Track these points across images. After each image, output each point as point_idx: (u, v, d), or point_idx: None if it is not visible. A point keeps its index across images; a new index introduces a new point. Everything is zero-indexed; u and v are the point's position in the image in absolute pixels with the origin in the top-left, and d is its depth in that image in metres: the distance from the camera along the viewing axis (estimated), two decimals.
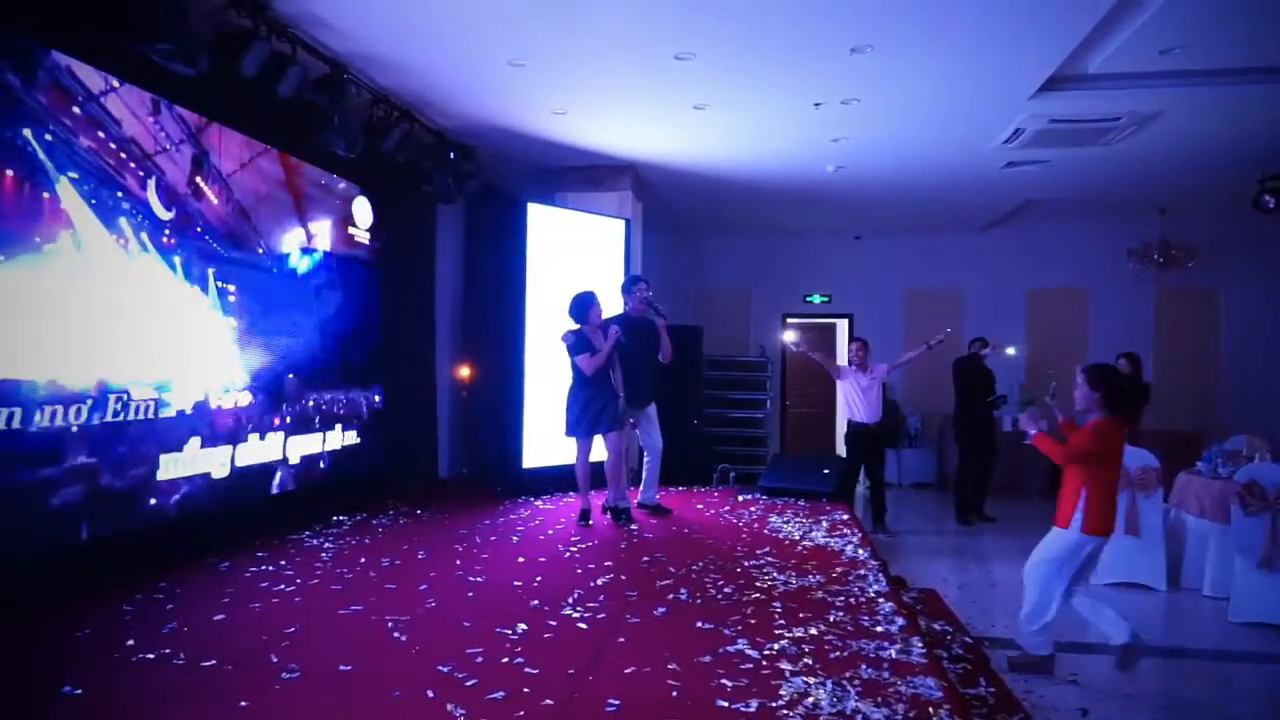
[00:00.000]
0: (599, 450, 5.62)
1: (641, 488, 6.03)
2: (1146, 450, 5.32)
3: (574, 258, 6.98)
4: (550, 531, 5.30)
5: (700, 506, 6.45)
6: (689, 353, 8.31)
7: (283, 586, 3.95)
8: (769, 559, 4.66)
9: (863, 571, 4.41)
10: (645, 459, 5.97)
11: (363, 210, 6.31)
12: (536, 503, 6.38)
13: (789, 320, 10.48)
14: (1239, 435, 6.03)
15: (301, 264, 5.54)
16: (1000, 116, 5.84)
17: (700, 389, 9.21)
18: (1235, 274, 9.40)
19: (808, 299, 10.46)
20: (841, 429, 7.56)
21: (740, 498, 6.96)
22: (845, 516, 6.14)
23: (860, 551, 4.91)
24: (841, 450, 7.54)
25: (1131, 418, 4.82)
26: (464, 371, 7.72)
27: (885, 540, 6.53)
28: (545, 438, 6.55)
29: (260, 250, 5.10)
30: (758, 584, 4.11)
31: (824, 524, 5.71)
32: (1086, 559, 3.70)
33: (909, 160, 6.98)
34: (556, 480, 6.71)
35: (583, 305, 5.49)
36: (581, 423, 5.39)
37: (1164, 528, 5.24)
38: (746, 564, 4.53)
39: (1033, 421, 3.85)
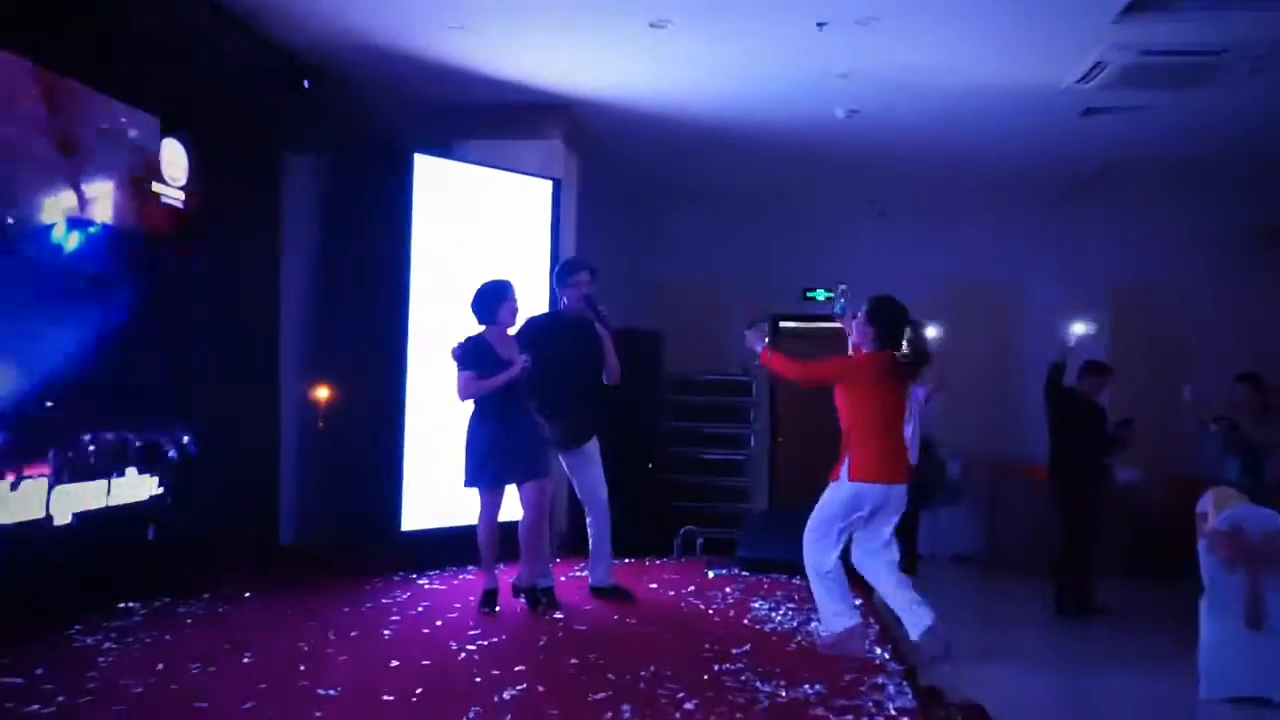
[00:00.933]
0: (512, 507, 5.55)
1: (590, 562, 6.02)
2: (1273, 510, 5.34)
3: (481, 233, 6.96)
4: (439, 622, 5.25)
5: (655, 586, 6.41)
6: (644, 370, 8.24)
7: (35, 709, 3.76)
8: (749, 661, 4.68)
9: (880, 680, 4.44)
10: (587, 520, 5.95)
11: (173, 160, 6.13)
12: (420, 581, 6.32)
13: (782, 324, 10.50)
14: None
15: (69, 241, 5.31)
16: (1074, 45, 5.91)
17: (659, 419, 9.13)
18: None
19: (809, 296, 10.48)
20: None
21: (711, 573, 6.92)
22: (858, 601, 6.09)
23: (877, 650, 4.93)
24: None
25: (910, 370, 5.04)
26: (320, 395, 7.59)
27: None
28: (436, 488, 6.52)
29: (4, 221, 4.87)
30: (733, 698, 4.11)
31: None
32: (868, 514, 4.79)
33: (947, 105, 7.04)
34: (451, 548, 6.66)
35: (490, 299, 5.46)
36: (486, 469, 5.35)
37: None
38: (717, 668, 4.54)
39: (758, 337, 4.93)
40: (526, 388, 5.42)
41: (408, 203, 6.69)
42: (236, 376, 6.81)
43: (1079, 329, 7.28)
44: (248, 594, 5.82)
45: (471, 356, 5.31)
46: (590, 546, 5.97)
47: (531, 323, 5.76)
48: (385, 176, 7.05)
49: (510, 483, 5.42)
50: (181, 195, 6.18)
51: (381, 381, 6.71)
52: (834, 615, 4.93)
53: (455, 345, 5.39)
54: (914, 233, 10.34)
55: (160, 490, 5.99)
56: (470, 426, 5.42)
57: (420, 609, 5.52)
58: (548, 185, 7.36)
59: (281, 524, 7.35)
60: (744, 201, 10.24)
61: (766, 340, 5.05)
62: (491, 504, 5.43)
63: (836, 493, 4.86)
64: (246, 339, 7.00)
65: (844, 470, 4.84)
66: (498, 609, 5.44)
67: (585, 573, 6.17)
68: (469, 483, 5.42)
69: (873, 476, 4.82)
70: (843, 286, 5.50)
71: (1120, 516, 8.38)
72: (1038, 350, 7.84)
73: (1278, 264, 9.48)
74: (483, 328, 5.45)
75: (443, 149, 7.30)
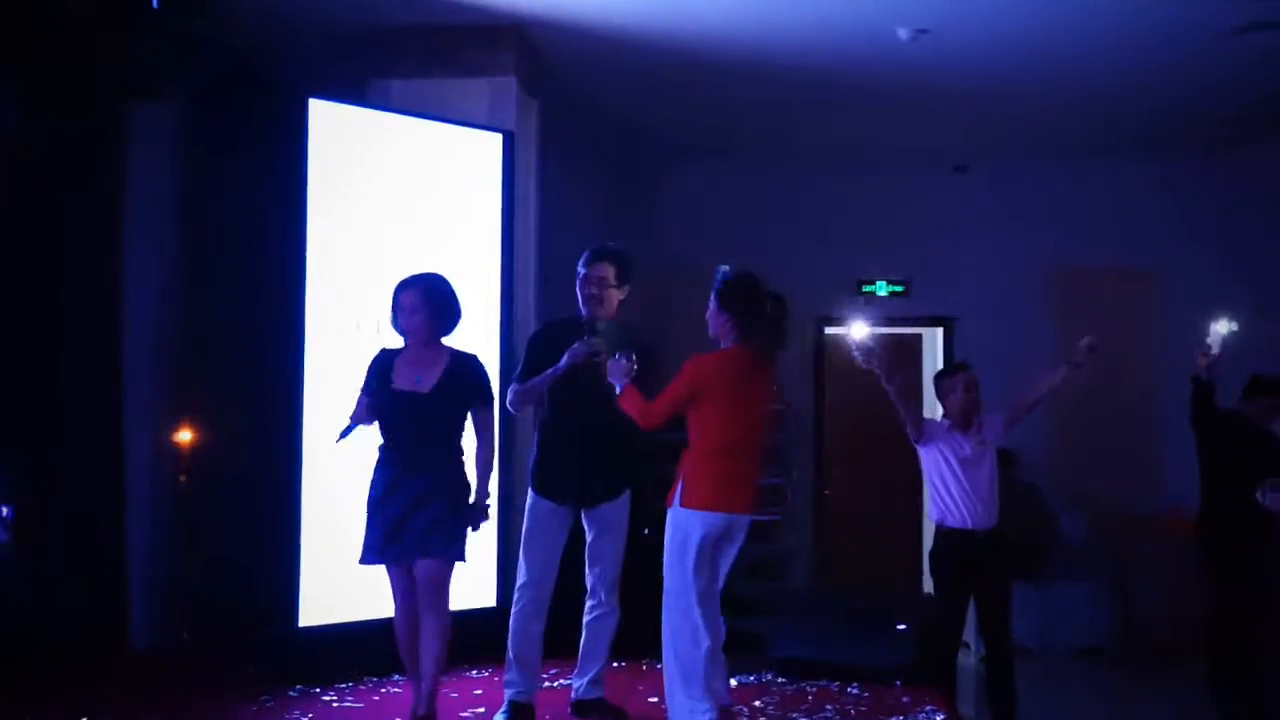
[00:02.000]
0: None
1: (578, 665, 6.11)
2: None
3: (405, 208, 7.05)
4: None
5: (655, 700, 6.39)
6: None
7: None
8: None
9: None
10: (587, 604, 6.05)
11: None
12: (327, 697, 6.34)
13: (828, 329, 10.66)
14: None
15: None
16: None
17: (652, 465, 9.14)
18: None
19: (866, 289, 10.66)
20: (929, 539, 7.68)
21: (734, 681, 6.83)
22: (941, 718, 6.16)
23: None
24: (928, 582, 7.66)
25: (767, 354, 5.46)
26: (181, 436, 7.65)
27: None
28: (348, 565, 6.17)
29: None
30: None
31: None
32: (702, 545, 5.19)
33: (1047, 20, 7.15)
34: (369, 650, 6.66)
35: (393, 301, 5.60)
36: (371, 533, 5.47)
37: None
38: None
39: (621, 372, 5.28)
40: (428, 422, 5.48)
41: (301, 169, 6.70)
42: (62, 414, 6.88)
43: (1223, 328, 7.24)
44: None
45: (370, 373, 5.50)
46: (582, 643, 6.03)
47: (538, 332, 5.94)
48: (269, 132, 7.08)
49: (402, 560, 5.43)
50: None
51: (268, 414, 6.74)
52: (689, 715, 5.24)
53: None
54: (1005, 199, 10.56)
55: None
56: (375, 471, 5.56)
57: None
58: (497, 140, 7.41)
59: (132, 619, 7.35)
60: (769, 159, 10.40)
61: (629, 372, 5.39)
62: (398, 585, 5.49)
63: (670, 522, 5.33)
64: (76, 360, 7.05)
65: (677, 493, 5.30)
66: None
67: (566, 681, 6.22)
68: (363, 557, 5.51)
69: (721, 503, 5.31)
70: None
71: None
72: (1184, 359, 7.88)
73: None
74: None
75: (351, 93, 7.32)
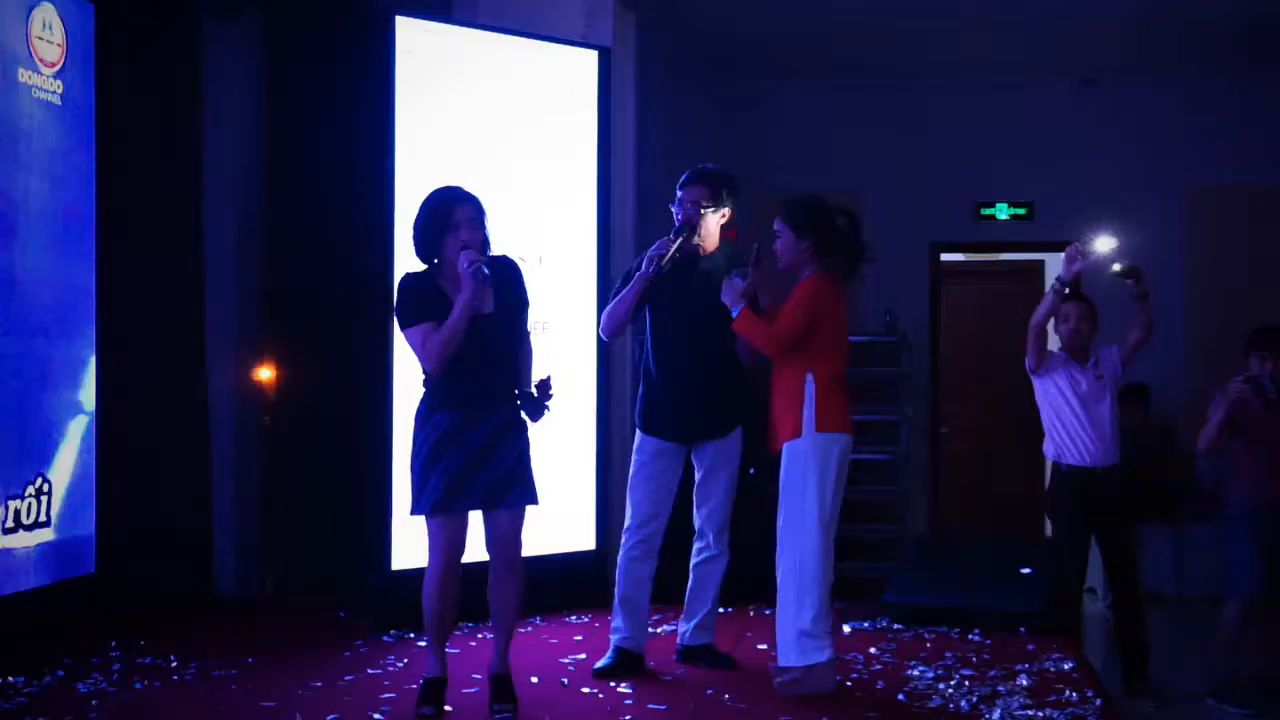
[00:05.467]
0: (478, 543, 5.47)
1: (685, 611, 6.11)
2: None
3: (495, 129, 7.04)
4: (449, 708, 5.24)
5: (764, 646, 6.41)
6: None
7: None
8: None
9: None
10: (695, 547, 6.02)
11: (46, 30, 6.28)
12: (421, 643, 6.27)
13: (943, 255, 10.47)
14: None
15: None
16: None
17: (759, 399, 9.12)
18: None
19: (985, 213, 10.52)
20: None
21: (847, 627, 6.99)
22: (1070, 665, 6.07)
23: None
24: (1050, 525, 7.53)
25: (849, 274, 5.68)
26: (265, 376, 7.69)
27: (1157, 714, 6.46)
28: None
29: None
30: None
31: (1023, 682, 5.73)
32: (840, 471, 5.36)
33: None
34: (465, 594, 6.63)
35: (428, 222, 5.22)
36: (425, 486, 5.16)
37: None
38: None
39: (737, 293, 5.37)
40: (487, 348, 5.18)
41: (389, 89, 6.69)
42: (136, 354, 6.96)
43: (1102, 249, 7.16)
44: (174, 662, 5.91)
45: (417, 305, 5.13)
46: (689, 588, 6.02)
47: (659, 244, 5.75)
48: (352, 50, 7.11)
49: (469, 509, 5.20)
50: (56, 86, 6.32)
51: (356, 353, 6.80)
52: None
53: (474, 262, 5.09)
54: (1136, 113, 10.38)
55: (43, 521, 6.17)
56: (416, 420, 5.28)
57: (423, 682, 5.45)
58: (592, 57, 7.39)
59: (216, 564, 7.48)
60: (881, 71, 10.23)
61: (746, 292, 5.47)
62: (440, 540, 5.20)
63: (802, 450, 5.39)
64: (155, 295, 7.13)
65: (807, 419, 5.37)
66: (440, 711, 5.23)
67: (671, 627, 6.23)
68: (414, 508, 5.23)
69: (848, 425, 5.51)
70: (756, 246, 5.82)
71: None
72: None
73: None
74: (424, 266, 5.27)
75: (438, 8, 7.31)
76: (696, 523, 6.00)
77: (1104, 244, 6.21)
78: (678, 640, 6.11)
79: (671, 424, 5.84)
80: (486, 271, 5.02)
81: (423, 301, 5.13)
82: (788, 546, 5.35)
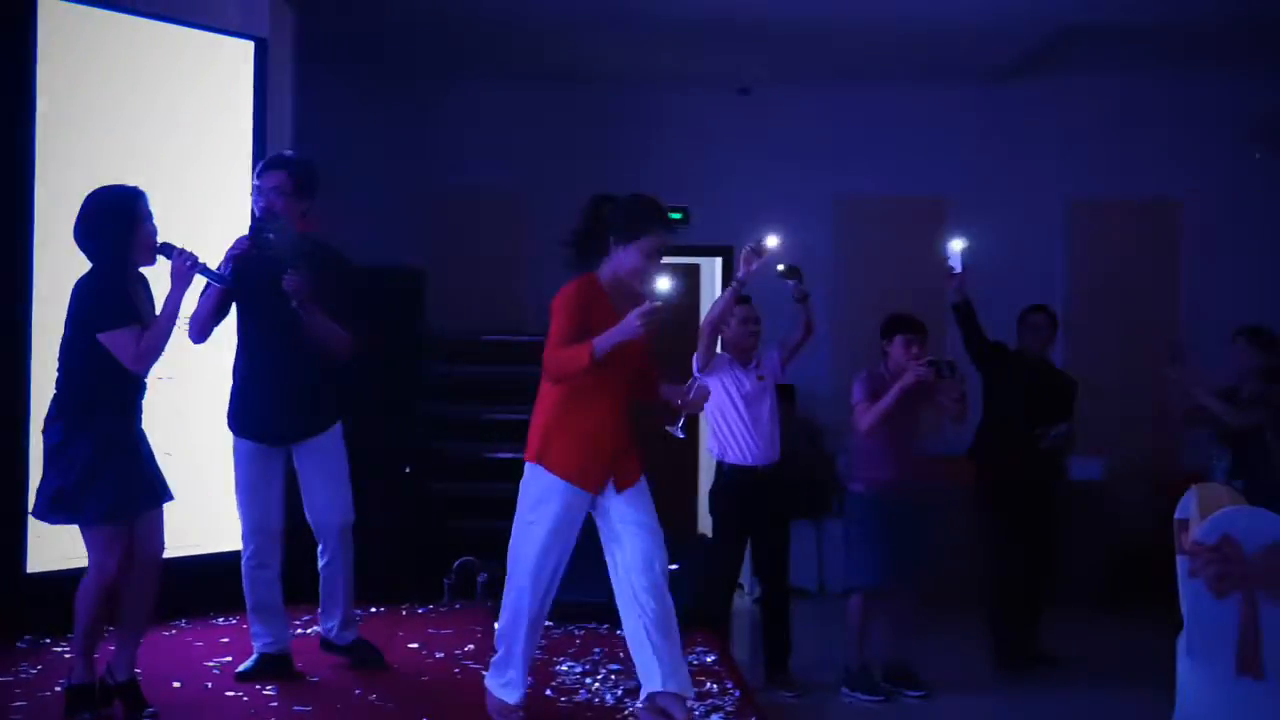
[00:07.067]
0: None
1: (321, 610, 6.11)
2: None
3: (145, 122, 6.95)
4: (88, 715, 5.09)
5: (416, 645, 6.51)
6: (398, 326, 8.23)
7: None
8: None
9: None
10: (319, 549, 6.01)
11: None
12: (60, 648, 6.25)
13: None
14: None
15: None
16: None
17: (419, 401, 9.04)
18: None
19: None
20: (707, 477, 7.75)
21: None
22: (712, 658, 6.32)
23: None
24: (706, 522, 7.74)
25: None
26: None
27: (794, 705, 6.78)
28: None
29: None
30: None
31: None
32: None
33: None
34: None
35: (111, 220, 5.18)
36: (95, 488, 5.06)
37: None
38: None
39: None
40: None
41: (29, 75, 6.55)
42: None
43: (958, 245, 7.36)
44: None
45: (111, 308, 5.09)
46: (322, 584, 6.01)
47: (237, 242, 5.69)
48: None
49: (137, 510, 5.17)
50: None
51: None
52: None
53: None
54: (791, 123, 10.68)
55: None
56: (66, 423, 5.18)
57: (59, 687, 5.38)
58: (248, 48, 7.34)
59: None
60: (548, 76, 10.34)
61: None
62: (100, 547, 5.11)
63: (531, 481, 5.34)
64: None
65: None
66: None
67: (317, 628, 6.22)
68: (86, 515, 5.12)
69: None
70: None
71: (1080, 530, 8.83)
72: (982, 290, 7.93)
73: None
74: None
75: None
76: (311, 525, 5.97)
77: (771, 244, 6.38)
78: (322, 637, 6.12)
79: (268, 425, 5.79)
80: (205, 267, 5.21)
81: (124, 303, 5.10)
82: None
